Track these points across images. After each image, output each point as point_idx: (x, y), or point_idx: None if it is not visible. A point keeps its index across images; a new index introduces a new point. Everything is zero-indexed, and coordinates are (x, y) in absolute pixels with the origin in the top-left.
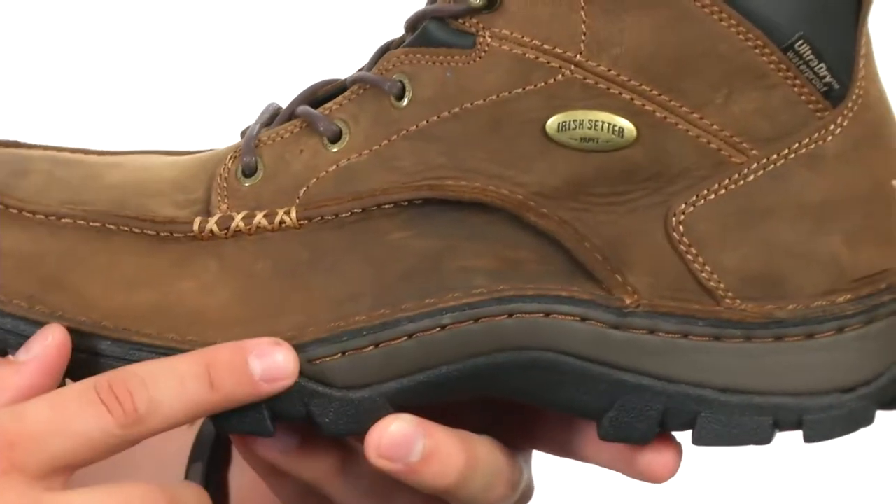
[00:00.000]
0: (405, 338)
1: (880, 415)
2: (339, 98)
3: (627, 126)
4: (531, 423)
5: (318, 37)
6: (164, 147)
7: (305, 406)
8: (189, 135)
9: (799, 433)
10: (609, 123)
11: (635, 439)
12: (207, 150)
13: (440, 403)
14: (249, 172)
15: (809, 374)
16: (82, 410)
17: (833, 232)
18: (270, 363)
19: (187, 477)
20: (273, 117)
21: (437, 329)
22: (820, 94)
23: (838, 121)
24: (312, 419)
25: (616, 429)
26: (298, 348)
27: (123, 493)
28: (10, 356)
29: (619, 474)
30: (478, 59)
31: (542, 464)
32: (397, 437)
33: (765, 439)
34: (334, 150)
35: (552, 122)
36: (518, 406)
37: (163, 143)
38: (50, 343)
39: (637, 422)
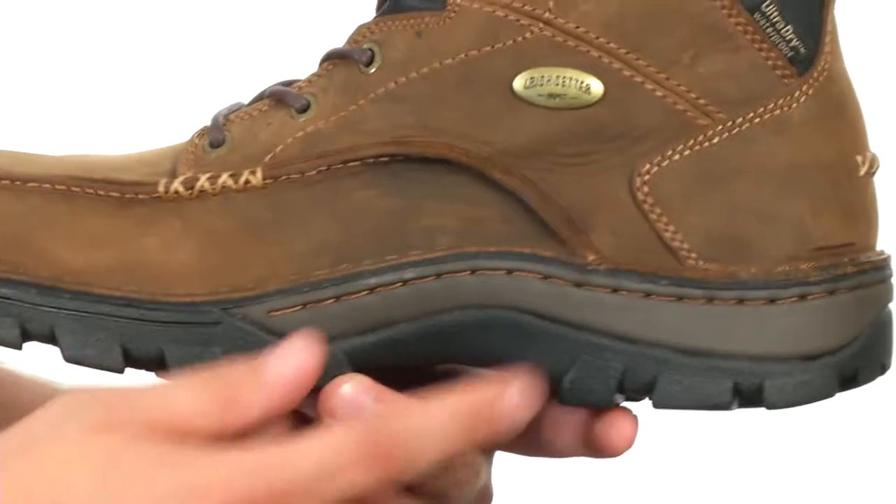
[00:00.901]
0: (367, 292)
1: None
2: (311, 75)
3: (595, 83)
4: None
5: (310, 40)
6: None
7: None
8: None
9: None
10: (576, 80)
11: (597, 401)
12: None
13: (399, 369)
14: (217, 144)
15: (771, 338)
16: (353, 466)
17: (798, 197)
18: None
19: None
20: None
21: (400, 284)
22: (786, 60)
23: (804, 88)
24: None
25: (577, 391)
26: (258, 298)
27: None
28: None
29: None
30: (448, 19)
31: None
32: (348, 399)
33: (725, 404)
34: (301, 119)
35: (520, 79)
36: None
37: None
38: (307, 367)
39: (597, 382)
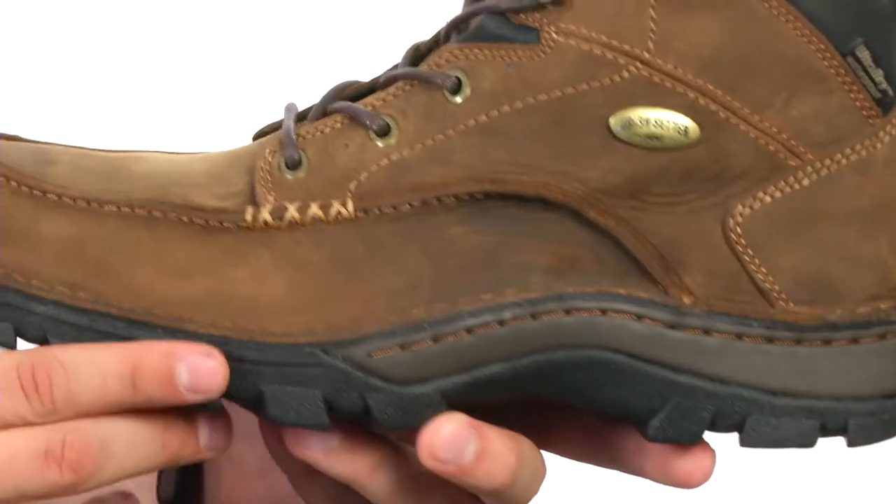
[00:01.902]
0: (465, 332)
1: None
2: (382, 94)
3: (691, 125)
4: (554, 427)
5: (312, 40)
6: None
7: (363, 400)
8: (183, 137)
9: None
10: (674, 122)
11: (684, 440)
12: (222, 150)
13: (488, 404)
14: (293, 165)
15: (855, 378)
16: (2, 392)
17: (880, 237)
18: (199, 375)
19: (160, 482)
20: (302, 115)
21: (497, 324)
22: (873, 101)
23: (887, 128)
24: (370, 413)
25: (666, 430)
26: (358, 341)
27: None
28: None
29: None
30: (542, 53)
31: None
32: (450, 439)
33: (810, 443)
34: (381, 144)
35: (616, 120)
36: (541, 408)
37: (159, 143)
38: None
39: (689, 423)
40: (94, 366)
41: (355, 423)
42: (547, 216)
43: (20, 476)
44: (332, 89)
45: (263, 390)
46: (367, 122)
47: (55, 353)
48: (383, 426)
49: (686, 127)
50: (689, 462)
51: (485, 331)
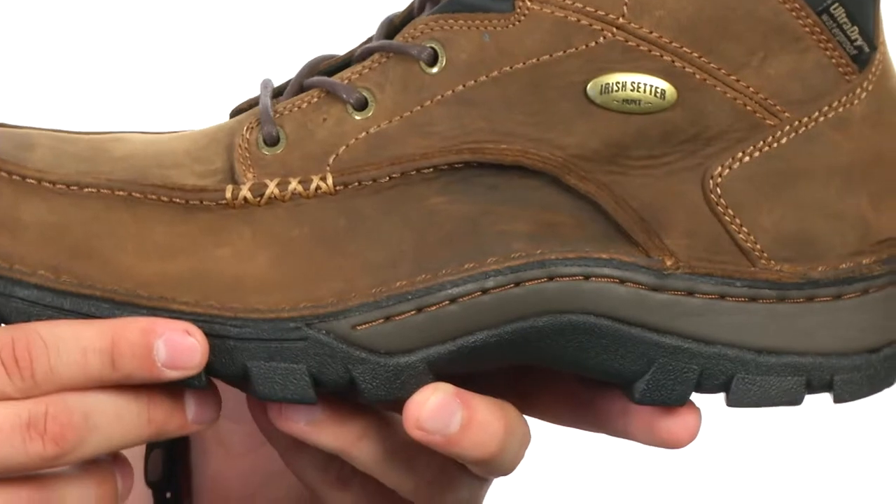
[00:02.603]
0: (448, 302)
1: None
2: (358, 67)
3: (668, 88)
4: (539, 393)
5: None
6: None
7: (348, 372)
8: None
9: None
10: (651, 85)
11: (671, 402)
12: (201, 129)
13: (472, 372)
14: (271, 142)
15: (839, 334)
16: None
17: (860, 193)
18: (177, 352)
19: (147, 463)
20: (279, 91)
21: (480, 293)
22: (849, 58)
23: (864, 85)
24: (356, 386)
25: (652, 392)
26: (342, 314)
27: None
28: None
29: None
30: (517, 22)
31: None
32: (436, 409)
33: (797, 400)
34: (359, 117)
35: (594, 85)
36: (525, 375)
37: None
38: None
39: (674, 384)
40: (75, 341)
41: (342, 396)
42: (527, 183)
43: (3, 448)
44: (306, 64)
45: (249, 366)
46: (344, 96)
47: (36, 328)
48: (369, 398)
49: (663, 90)
50: (673, 423)
51: (468, 300)
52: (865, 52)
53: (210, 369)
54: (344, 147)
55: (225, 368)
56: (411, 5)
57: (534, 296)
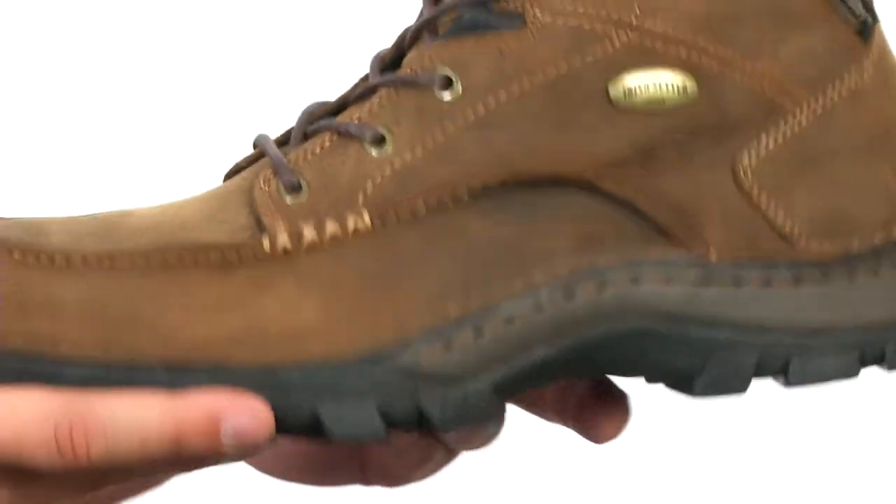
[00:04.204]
0: (505, 322)
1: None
2: (365, 105)
3: (689, 83)
4: None
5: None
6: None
7: (416, 404)
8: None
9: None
10: (671, 84)
11: (731, 392)
12: (202, 194)
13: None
14: (293, 189)
15: (885, 305)
16: (37, 447)
17: (882, 164)
18: (246, 432)
19: None
20: (283, 141)
21: (535, 310)
22: (853, 32)
23: (870, 56)
24: (425, 417)
25: (712, 387)
26: (402, 348)
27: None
28: None
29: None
30: (531, 37)
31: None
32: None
33: (852, 374)
34: (378, 154)
35: (615, 89)
36: None
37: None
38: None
39: (734, 376)
40: (135, 426)
41: (413, 430)
42: (562, 197)
43: (23, 451)
44: (303, 113)
45: (319, 411)
46: (359, 135)
47: (94, 406)
48: (440, 428)
49: (683, 86)
50: (601, 416)
51: (523, 318)
52: (868, 24)
53: (280, 424)
54: (371, 184)
55: (295, 418)
56: (400, 40)
57: (586, 307)
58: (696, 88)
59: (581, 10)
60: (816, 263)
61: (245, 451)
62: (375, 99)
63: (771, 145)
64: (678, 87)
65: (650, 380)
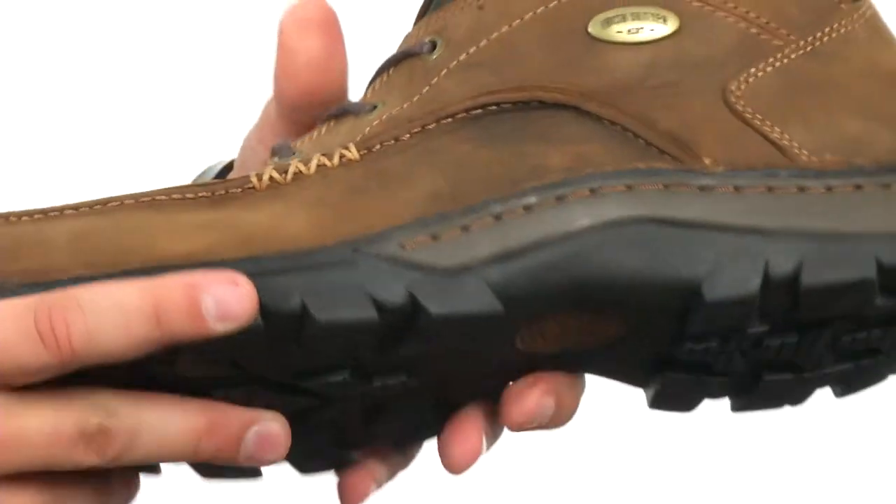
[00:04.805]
0: (493, 219)
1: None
2: (368, 91)
3: (669, 14)
4: None
5: None
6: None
7: (406, 288)
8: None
9: None
10: (652, 13)
11: (741, 296)
12: None
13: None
14: (287, 154)
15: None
16: (19, 342)
17: (884, 99)
18: (226, 302)
19: None
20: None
21: (523, 210)
22: None
23: (861, 11)
24: (417, 304)
25: (722, 288)
26: (387, 235)
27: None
28: None
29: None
30: None
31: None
32: (533, 411)
33: (868, 283)
34: (371, 117)
35: (594, 23)
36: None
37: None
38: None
39: (742, 279)
40: (114, 304)
41: (404, 318)
42: (551, 120)
43: (8, 350)
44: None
45: (305, 300)
46: (354, 111)
47: (73, 293)
48: (434, 318)
49: (664, 16)
50: (455, 441)
51: (512, 215)
52: None
53: (266, 313)
54: (360, 136)
55: (280, 307)
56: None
57: (579, 207)
58: (678, 21)
59: None
60: (819, 172)
61: (229, 323)
62: (376, 82)
63: (760, 75)
64: (658, 16)
65: (653, 294)
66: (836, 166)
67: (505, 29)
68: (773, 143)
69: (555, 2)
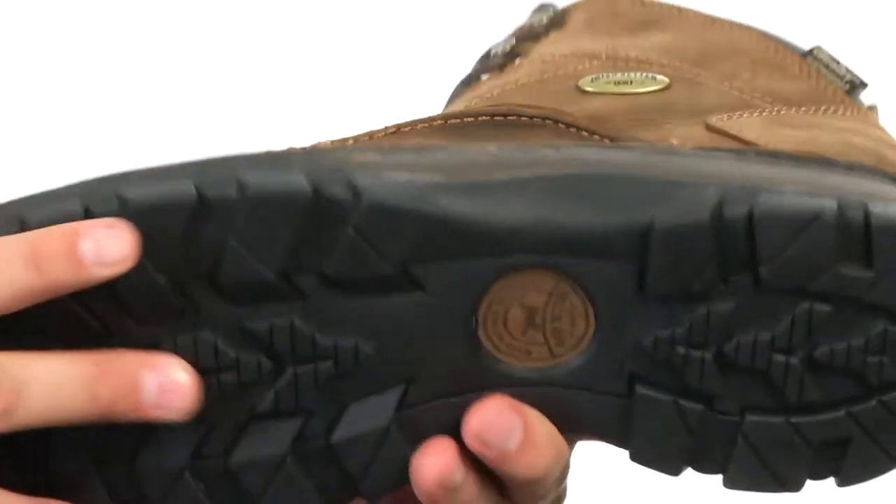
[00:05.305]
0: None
1: None
2: None
3: (659, 76)
4: None
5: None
6: None
7: (347, 178)
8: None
9: None
10: (641, 73)
11: (695, 230)
12: None
13: None
14: None
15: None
16: None
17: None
18: (103, 246)
19: None
20: None
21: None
22: (843, 92)
23: (856, 107)
24: (358, 192)
25: (672, 217)
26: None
27: None
28: None
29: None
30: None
31: None
32: (497, 423)
33: (826, 219)
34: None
35: (586, 80)
36: None
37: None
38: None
39: (691, 210)
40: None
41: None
42: (526, 130)
43: None
44: None
45: (243, 176)
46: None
47: None
48: (372, 207)
49: (654, 75)
50: (423, 457)
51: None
52: (857, 84)
53: (204, 198)
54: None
55: (218, 188)
56: None
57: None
58: (668, 81)
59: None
60: (791, 155)
61: (107, 268)
62: None
63: (746, 116)
64: (648, 75)
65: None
66: (808, 154)
67: (509, 87)
68: (743, 141)
69: (549, 75)
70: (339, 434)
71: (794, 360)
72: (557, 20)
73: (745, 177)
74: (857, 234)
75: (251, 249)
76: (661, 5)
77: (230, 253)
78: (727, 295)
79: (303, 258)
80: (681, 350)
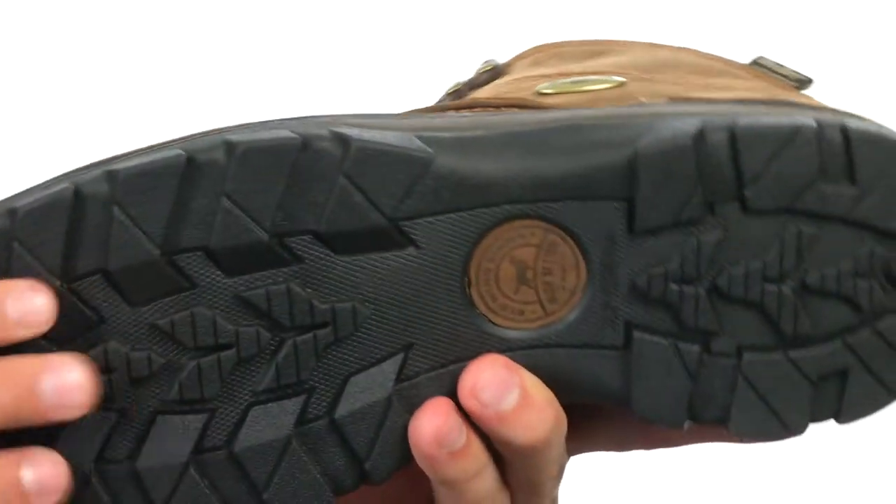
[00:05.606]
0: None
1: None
2: None
3: (615, 76)
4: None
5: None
6: None
7: (336, 131)
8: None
9: None
10: (596, 75)
11: (675, 146)
12: None
13: None
14: None
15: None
16: None
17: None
18: (27, 308)
19: None
20: None
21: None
22: (794, 89)
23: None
24: (343, 137)
25: (656, 142)
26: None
27: None
28: None
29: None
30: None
31: None
32: (492, 380)
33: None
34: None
35: (542, 85)
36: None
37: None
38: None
39: (674, 134)
40: None
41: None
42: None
43: None
44: None
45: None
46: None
47: None
48: (360, 146)
49: (609, 76)
50: (419, 418)
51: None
52: (805, 84)
53: (191, 154)
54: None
55: (208, 150)
56: None
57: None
58: (624, 80)
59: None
60: (760, 100)
61: (32, 327)
62: None
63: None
64: (603, 77)
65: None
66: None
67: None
68: (709, 100)
69: (508, 90)
70: (342, 409)
71: (787, 289)
72: (500, 70)
73: (723, 111)
74: (837, 150)
75: (243, 208)
76: (607, 40)
77: (223, 215)
78: (716, 224)
79: (296, 215)
80: (674, 287)
